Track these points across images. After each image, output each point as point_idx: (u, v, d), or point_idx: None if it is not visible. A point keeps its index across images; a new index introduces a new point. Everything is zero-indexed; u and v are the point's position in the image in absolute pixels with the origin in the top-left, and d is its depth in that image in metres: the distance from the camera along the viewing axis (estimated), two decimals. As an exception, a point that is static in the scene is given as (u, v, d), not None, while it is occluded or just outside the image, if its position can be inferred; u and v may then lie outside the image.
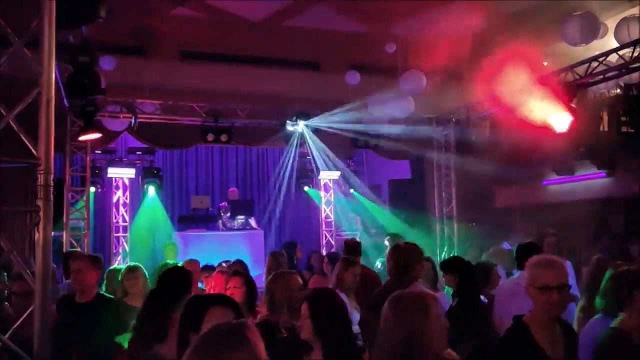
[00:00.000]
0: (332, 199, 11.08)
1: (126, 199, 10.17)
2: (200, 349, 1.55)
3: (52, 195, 3.17)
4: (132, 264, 4.90)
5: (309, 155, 10.60)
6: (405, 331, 2.08)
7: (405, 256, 3.86)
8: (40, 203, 3.13)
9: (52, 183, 3.17)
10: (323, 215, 11.09)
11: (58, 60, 6.54)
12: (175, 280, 3.34)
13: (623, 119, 8.63)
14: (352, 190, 11.59)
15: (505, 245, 8.26)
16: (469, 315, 3.89)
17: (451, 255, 9.70)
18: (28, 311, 2.93)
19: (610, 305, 2.96)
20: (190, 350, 1.56)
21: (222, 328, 1.62)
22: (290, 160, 10.95)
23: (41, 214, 3.12)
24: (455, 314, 3.81)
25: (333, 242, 10.96)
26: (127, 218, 10.12)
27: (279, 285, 3.34)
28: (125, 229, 10.11)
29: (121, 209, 10.11)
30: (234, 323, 1.66)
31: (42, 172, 3.14)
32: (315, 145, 10.10)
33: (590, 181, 9.22)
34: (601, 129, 9.04)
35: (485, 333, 4.10)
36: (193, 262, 5.31)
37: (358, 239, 7.00)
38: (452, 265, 4.49)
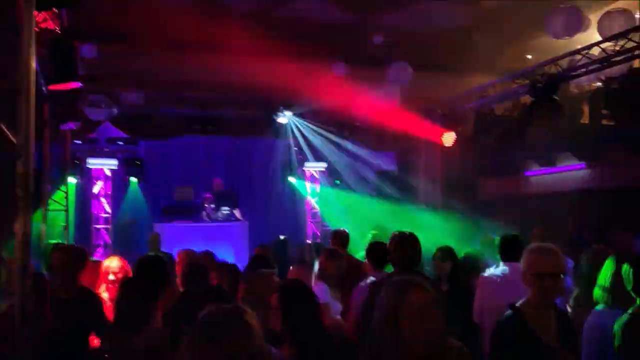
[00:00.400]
0: (318, 190, 11.07)
1: (107, 189, 10.04)
2: (199, 334, 1.52)
3: (32, 185, 3.10)
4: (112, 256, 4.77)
5: (295, 147, 10.56)
6: (381, 311, 2.15)
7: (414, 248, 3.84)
8: (20, 193, 3.05)
9: (31, 172, 3.11)
10: (309, 206, 11.08)
11: (36, 45, 6.45)
12: (151, 269, 3.30)
13: (604, 112, 8.75)
14: (337, 181, 11.58)
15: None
16: (457, 302, 3.93)
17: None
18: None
19: (618, 296, 2.91)
20: (187, 337, 1.53)
21: (219, 312, 1.59)
22: (276, 151, 10.91)
23: (20, 204, 3.05)
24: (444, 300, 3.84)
25: (319, 234, 10.96)
26: (108, 209, 9.99)
27: (257, 284, 3.34)
28: (106, 220, 9.99)
29: (102, 200, 9.98)
30: (230, 307, 1.63)
31: (22, 160, 3.07)
32: (301, 136, 10.07)
33: (571, 173, 9.34)
34: (582, 121, 9.14)
35: (468, 321, 4.15)
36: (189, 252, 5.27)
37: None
38: (446, 254, 4.52)
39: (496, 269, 4.33)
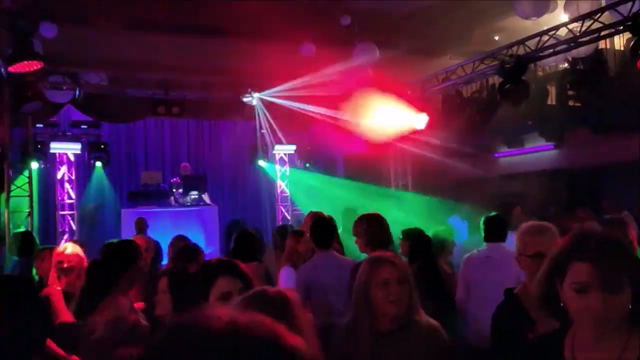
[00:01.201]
0: (288, 174, 10.98)
1: (71, 175, 9.76)
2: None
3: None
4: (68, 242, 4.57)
5: (263, 129, 10.43)
6: (356, 288, 2.25)
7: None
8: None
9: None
10: (279, 190, 10.99)
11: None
12: (116, 252, 3.20)
13: (570, 92, 8.89)
14: (307, 164, 11.51)
15: (453, 219, 8.46)
16: (428, 279, 3.93)
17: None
18: None
19: None
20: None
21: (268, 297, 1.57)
22: (245, 134, 10.76)
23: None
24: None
25: (289, 217, 10.90)
26: (72, 195, 9.72)
27: None
28: (71, 206, 9.72)
29: (66, 185, 9.70)
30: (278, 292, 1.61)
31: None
32: (269, 119, 9.94)
33: (539, 153, 9.48)
34: (549, 102, 9.27)
35: (443, 297, 4.16)
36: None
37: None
38: (405, 234, 4.53)
39: (480, 249, 4.34)
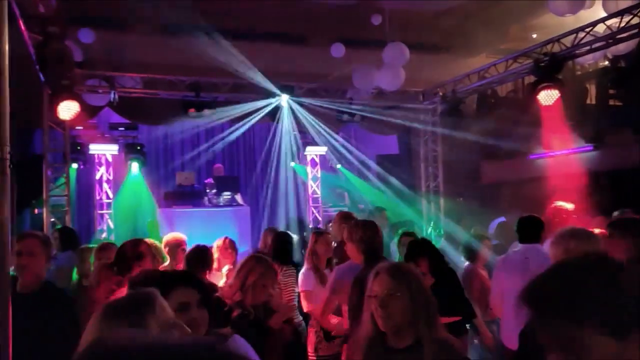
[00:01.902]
0: (319, 175, 10.98)
1: (109, 175, 10.03)
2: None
3: (8, 169, 3.04)
4: (106, 241, 4.72)
5: (294, 131, 10.46)
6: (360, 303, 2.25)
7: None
8: (-4, 177, 3.00)
9: (8, 156, 3.04)
10: (310, 191, 11.01)
11: (29, 31, 6.40)
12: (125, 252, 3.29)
13: (611, 91, 8.56)
14: (339, 166, 11.48)
15: (501, 220, 8.26)
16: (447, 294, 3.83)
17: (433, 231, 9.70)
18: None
19: None
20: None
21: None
22: (276, 136, 10.82)
23: (-3, 189, 2.99)
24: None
25: (320, 218, 10.89)
26: (110, 195, 9.99)
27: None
28: (108, 205, 9.99)
29: (104, 185, 9.98)
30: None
31: (-3, 145, 3.01)
32: (301, 120, 9.96)
33: (577, 155, 9.16)
34: (588, 101, 8.96)
35: (464, 311, 4.06)
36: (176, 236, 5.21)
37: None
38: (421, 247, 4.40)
39: (515, 251, 4.22)
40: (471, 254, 5.42)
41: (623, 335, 0.92)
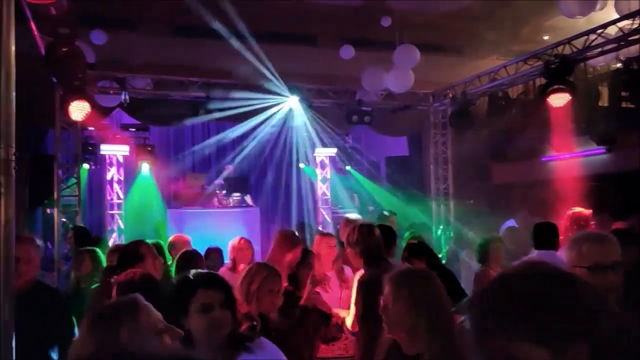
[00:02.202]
0: (329, 176, 10.97)
1: (120, 176, 10.10)
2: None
3: (13, 170, 3.08)
4: (117, 244, 4.70)
5: (304, 132, 10.47)
6: None
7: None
8: (1, 178, 3.03)
9: (13, 157, 3.08)
10: (319, 192, 11.00)
11: (40, 32, 6.47)
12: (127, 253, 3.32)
13: (623, 94, 8.45)
14: (348, 168, 11.46)
15: (511, 222, 8.18)
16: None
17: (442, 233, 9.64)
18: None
19: None
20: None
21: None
22: (285, 137, 10.83)
23: (2, 189, 3.03)
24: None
25: (330, 220, 10.88)
26: (121, 195, 10.07)
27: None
28: (119, 206, 10.07)
29: (115, 186, 10.05)
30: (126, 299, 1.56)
31: (2, 145, 3.04)
32: (310, 122, 9.95)
33: (590, 157, 9.06)
34: (601, 104, 8.85)
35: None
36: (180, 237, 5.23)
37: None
38: (420, 250, 4.36)
39: (530, 257, 4.18)
40: (484, 255, 5.29)
41: (559, 349, 0.89)
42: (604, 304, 0.98)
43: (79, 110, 7.42)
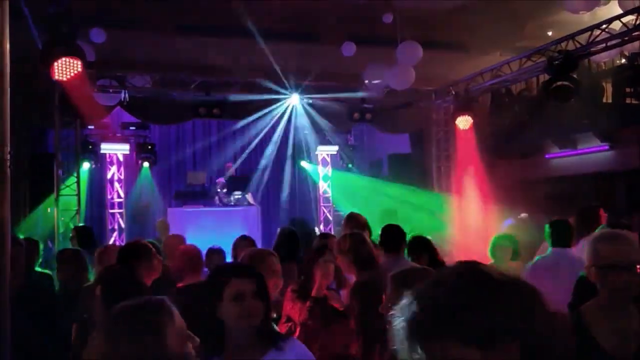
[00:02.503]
0: (330, 174, 10.91)
1: (120, 174, 10.07)
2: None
3: (8, 169, 3.03)
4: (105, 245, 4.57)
5: (305, 130, 10.41)
6: None
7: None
8: (-5, 178, 2.98)
9: (8, 157, 3.02)
10: (321, 190, 10.95)
11: (39, 31, 6.41)
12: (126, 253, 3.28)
13: (627, 90, 8.36)
14: (350, 165, 11.41)
15: (509, 222, 8.13)
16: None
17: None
18: None
19: None
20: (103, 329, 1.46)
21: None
22: (287, 135, 10.77)
23: (-3, 188, 2.97)
24: None
25: (331, 218, 10.84)
26: (121, 194, 10.04)
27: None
28: (120, 205, 10.05)
29: (116, 184, 10.03)
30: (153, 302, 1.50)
31: (-4, 144, 2.99)
32: (311, 120, 9.90)
33: (594, 154, 8.99)
34: (604, 100, 8.77)
35: None
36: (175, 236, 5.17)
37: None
38: (423, 246, 4.32)
39: (546, 256, 4.12)
40: (499, 253, 5.17)
41: (488, 349, 0.89)
42: (540, 304, 0.95)
43: (65, 68, 6.26)
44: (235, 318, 1.99)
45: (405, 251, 4.52)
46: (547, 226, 4.18)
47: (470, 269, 0.98)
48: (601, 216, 4.95)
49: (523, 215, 7.97)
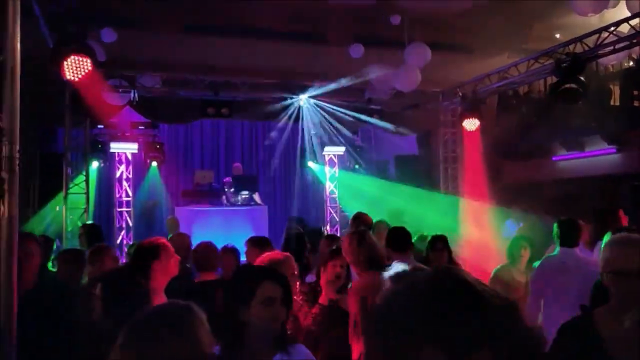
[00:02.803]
0: (337, 175, 10.94)
1: (129, 173, 10.15)
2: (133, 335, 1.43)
3: (17, 167, 3.07)
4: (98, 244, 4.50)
5: (313, 130, 10.45)
6: None
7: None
8: (4, 175, 3.03)
9: (17, 154, 3.07)
10: (328, 191, 10.97)
11: (49, 31, 6.49)
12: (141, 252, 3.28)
13: (635, 92, 8.34)
14: (357, 166, 11.42)
15: (509, 223, 8.14)
16: None
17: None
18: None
19: None
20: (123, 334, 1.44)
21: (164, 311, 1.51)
22: (294, 135, 10.81)
23: (6, 186, 3.02)
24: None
25: (337, 218, 10.86)
26: (130, 193, 10.12)
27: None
28: (128, 203, 10.13)
29: (124, 183, 10.11)
30: (179, 306, 1.52)
31: (6, 142, 3.04)
32: (319, 120, 9.93)
33: (601, 157, 8.96)
34: (612, 103, 8.74)
35: None
36: (181, 235, 5.20)
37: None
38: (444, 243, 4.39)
39: (554, 255, 4.15)
40: (511, 255, 5.02)
41: (463, 357, 0.88)
42: (516, 316, 0.93)
43: (75, 66, 6.26)
44: (262, 321, 2.01)
45: (425, 249, 4.57)
46: (555, 225, 4.17)
47: (450, 277, 0.96)
48: (621, 218, 4.94)
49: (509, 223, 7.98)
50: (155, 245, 3.37)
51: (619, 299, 1.95)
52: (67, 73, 6.29)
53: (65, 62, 6.20)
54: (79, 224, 8.07)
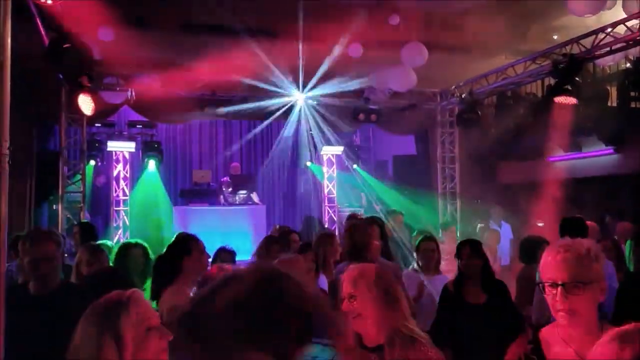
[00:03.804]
0: (335, 175, 10.93)
1: (126, 172, 10.14)
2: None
3: (7, 165, 3.07)
4: (131, 240, 4.37)
5: (310, 130, 10.44)
6: None
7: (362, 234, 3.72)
8: (-5, 173, 3.03)
9: (7, 152, 3.07)
10: (325, 190, 10.97)
11: (45, 29, 6.48)
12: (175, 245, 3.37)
13: (632, 93, 8.34)
14: (355, 166, 11.42)
15: (491, 224, 8.16)
16: None
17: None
18: None
19: None
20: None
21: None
22: (292, 135, 10.80)
23: (-4, 183, 3.02)
24: None
25: (335, 218, 10.85)
26: (127, 192, 10.11)
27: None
28: (125, 202, 10.11)
29: (121, 182, 10.10)
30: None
31: (-4, 140, 3.04)
32: (317, 120, 9.93)
33: (598, 158, 8.95)
34: (609, 103, 8.74)
35: None
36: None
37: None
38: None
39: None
40: (530, 254, 4.53)
41: (284, 355, 0.91)
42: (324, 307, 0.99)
43: (87, 103, 7.36)
44: None
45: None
46: (562, 223, 4.16)
47: (264, 275, 0.98)
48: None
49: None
50: (189, 241, 3.39)
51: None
52: None
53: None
54: (79, 222, 8.06)
